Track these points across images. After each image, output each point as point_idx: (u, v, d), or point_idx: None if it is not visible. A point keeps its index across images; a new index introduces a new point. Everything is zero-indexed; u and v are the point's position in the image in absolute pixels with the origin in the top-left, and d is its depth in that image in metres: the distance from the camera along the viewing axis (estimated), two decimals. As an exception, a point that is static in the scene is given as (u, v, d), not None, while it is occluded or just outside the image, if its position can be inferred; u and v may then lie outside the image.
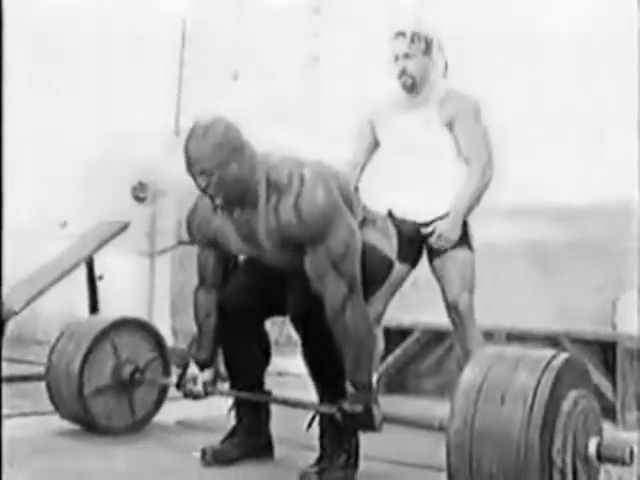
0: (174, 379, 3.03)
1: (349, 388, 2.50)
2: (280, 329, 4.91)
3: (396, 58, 3.36)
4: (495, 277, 4.12)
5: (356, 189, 3.19)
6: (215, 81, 5.73)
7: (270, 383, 2.94)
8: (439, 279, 3.38)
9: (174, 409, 3.45)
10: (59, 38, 6.40)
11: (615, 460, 2.04)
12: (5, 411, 3.17)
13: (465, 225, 3.35)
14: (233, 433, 2.89)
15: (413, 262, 3.47)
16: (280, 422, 2.97)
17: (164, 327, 5.18)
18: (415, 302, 4.35)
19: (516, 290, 4.41)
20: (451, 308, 3.36)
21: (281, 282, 2.66)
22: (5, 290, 4.55)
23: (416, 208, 3.37)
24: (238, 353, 2.84)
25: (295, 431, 2.81)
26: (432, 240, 3.31)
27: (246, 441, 2.88)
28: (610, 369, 3.85)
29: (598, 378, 3.78)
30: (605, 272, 4.25)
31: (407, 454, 2.91)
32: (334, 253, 2.45)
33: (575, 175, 4.27)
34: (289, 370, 4.50)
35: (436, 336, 4.41)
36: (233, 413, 2.93)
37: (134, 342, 3.32)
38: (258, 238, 2.57)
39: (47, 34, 6.46)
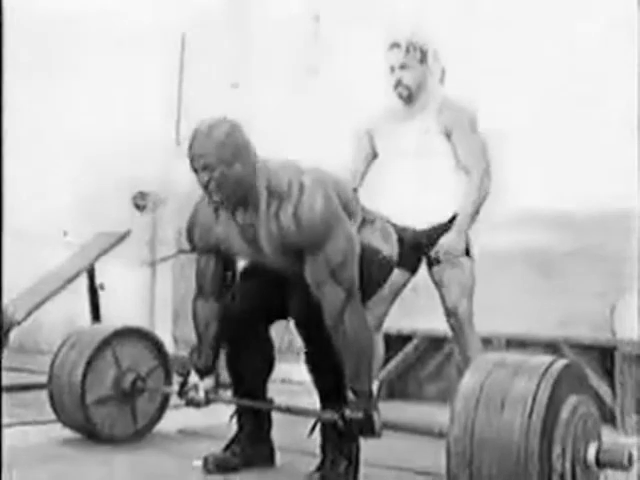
0: (176, 387, 3.04)
1: (349, 395, 2.51)
2: (282, 336, 4.92)
3: (392, 69, 3.39)
4: (495, 283, 4.13)
5: (355, 190, 3.20)
6: (215, 90, 5.75)
7: (272, 390, 2.95)
8: (438, 286, 3.40)
9: (176, 417, 3.46)
10: (59, 45, 6.43)
11: (614, 465, 2.04)
12: (7, 420, 3.19)
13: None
14: (235, 441, 2.89)
15: (413, 269, 3.48)
16: (282, 429, 2.98)
17: (165, 335, 5.19)
18: (415, 308, 4.37)
19: (516, 296, 4.42)
20: (450, 314, 3.37)
21: (284, 286, 2.67)
22: (7, 300, 4.57)
23: (415, 216, 3.39)
24: (243, 360, 2.84)
25: (297, 438, 2.82)
26: (439, 253, 3.30)
27: (248, 449, 2.88)
28: (609, 374, 3.87)
29: (597, 383, 3.80)
30: (604, 278, 4.26)
31: (407, 460, 2.92)
32: (332, 261, 2.46)
33: (575, 182, 4.28)
34: (291, 377, 4.51)
35: (436, 342, 4.43)
36: (235, 421, 2.93)
37: (136, 351, 3.34)
38: (260, 243, 2.58)
39: (47, 41, 6.49)
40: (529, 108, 4.37)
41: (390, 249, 2.76)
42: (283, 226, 2.49)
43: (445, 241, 3.30)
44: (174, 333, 5.79)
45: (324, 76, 5.27)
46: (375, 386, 2.59)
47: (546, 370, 2.04)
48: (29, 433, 3.37)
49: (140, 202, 5.91)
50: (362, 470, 2.67)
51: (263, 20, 5.58)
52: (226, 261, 2.80)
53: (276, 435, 2.95)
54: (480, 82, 4.13)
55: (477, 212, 3.33)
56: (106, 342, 3.26)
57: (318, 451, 2.68)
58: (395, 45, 3.37)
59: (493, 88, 4.27)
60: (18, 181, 5.98)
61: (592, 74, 4.26)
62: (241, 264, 2.89)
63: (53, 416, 3.30)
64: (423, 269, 3.47)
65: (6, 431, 3.11)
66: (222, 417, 3.01)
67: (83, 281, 5.13)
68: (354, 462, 2.65)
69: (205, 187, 2.52)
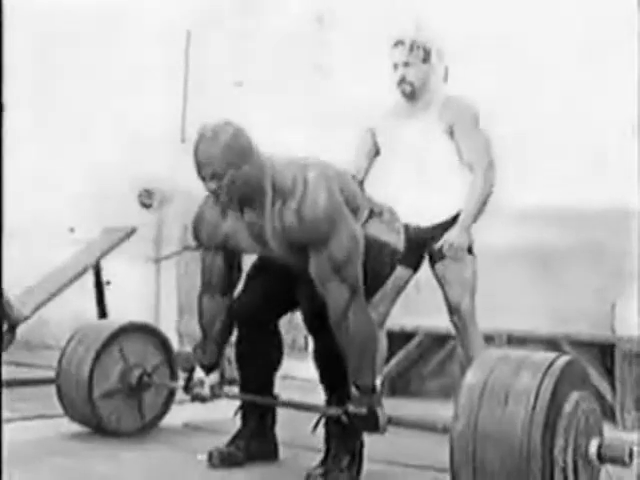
0: (181, 382, 3.06)
1: (353, 391, 2.53)
2: (285, 333, 4.95)
3: (395, 66, 3.41)
4: (496, 281, 4.15)
5: (361, 183, 3.21)
6: (220, 89, 5.77)
7: (276, 386, 2.97)
8: (441, 283, 3.42)
9: (181, 412, 3.49)
10: (62, 41, 6.44)
11: (615, 460, 2.07)
12: (12, 414, 3.23)
13: (466, 230, 3.38)
14: (239, 436, 2.91)
15: (415, 266, 3.50)
16: (286, 424, 3.00)
17: (170, 331, 5.22)
18: (418, 305, 4.39)
19: (516, 293, 4.44)
20: (453, 311, 3.39)
21: (293, 280, 2.69)
22: (15, 296, 4.61)
23: (418, 213, 3.40)
24: (252, 354, 2.87)
25: (300, 433, 2.84)
26: (444, 250, 3.31)
27: (252, 444, 2.90)
28: (609, 371, 3.89)
29: (597, 380, 3.81)
30: (605, 276, 4.27)
31: (411, 455, 2.94)
32: (336, 259, 2.47)
33: (575, 179, 4.29)
34: (295, 374, 4.52)
35: (439, 339, 4.44)
36: (239, 416, 2.96)
37: (142, 346, 3.37)
38: (266, 240, 2.60)
39: (50, 36, 6.50)
40: (529, 107, 4.39)
41: (397, 241, 2.75)
42: (287, 223, 2.50)
43: (450, 237, 3.32)
44: (179, 329, 5.82)
45: (329, 74, 5.29)
46: (379, 382, 2.61)
47: (549, 366, 2.06)
48: (35, 427, 3.40)
49: (146, 200, 5.93)
50: (366, 466, 2.69)
51: (268, 18, 5.60)
52: (231, 257, 2.81)
53: (280, 430, 2.98)
54: (480, 82, 4.14)
55: (481, 209, 3.33)
56: (113, 338, 3.29)
57: (321, 446, 2.70)
58: (399, 43, 3.39)
59: (493, 88, 4.28)
60: (25, 178, 6.03)
61: (592, 74, 4.27)
62: (247, 259, 2.91)
63: (59, 410, 3.34)
64: (425, 267, 3.50)
65: (12, 425, 3.15)
66: (227, 412, 3.04)
67: (89, 277, 5.15)
68: (357, 457, 2.67)
69: (214, 193, 2.53)
